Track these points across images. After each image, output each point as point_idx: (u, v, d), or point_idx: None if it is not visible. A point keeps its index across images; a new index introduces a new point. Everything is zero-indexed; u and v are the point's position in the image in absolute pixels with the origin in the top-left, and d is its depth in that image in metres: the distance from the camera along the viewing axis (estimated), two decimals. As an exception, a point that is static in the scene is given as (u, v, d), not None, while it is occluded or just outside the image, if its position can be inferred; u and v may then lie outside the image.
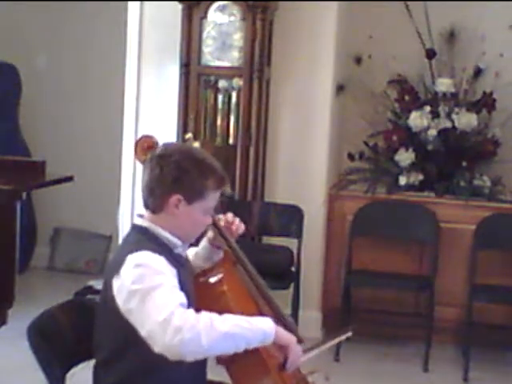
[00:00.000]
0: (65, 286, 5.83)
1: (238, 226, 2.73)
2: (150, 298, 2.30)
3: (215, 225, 2.66)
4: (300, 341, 2.60)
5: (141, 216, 2.56)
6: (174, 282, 2.39)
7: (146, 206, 2.54)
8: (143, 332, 2.31)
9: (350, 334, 2.80)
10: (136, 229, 2.54)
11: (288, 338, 2.47)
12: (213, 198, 2.53)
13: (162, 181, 2.48)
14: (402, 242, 5.19)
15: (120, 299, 2.38)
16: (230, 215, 2.73)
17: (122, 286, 2.38)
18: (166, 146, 2.61)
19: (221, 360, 2.49)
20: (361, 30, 5.42)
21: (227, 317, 2.36)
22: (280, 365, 2.53)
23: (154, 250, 2.42)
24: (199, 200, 2.48)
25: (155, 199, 2.50)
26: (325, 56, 5.14)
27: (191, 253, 2.72)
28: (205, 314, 2.31)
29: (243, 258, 2.72)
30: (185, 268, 2.55)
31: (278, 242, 5.04)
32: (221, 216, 2.71)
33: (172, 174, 2.46)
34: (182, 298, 2.35)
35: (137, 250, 2.40)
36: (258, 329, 2.37)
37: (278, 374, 2.49)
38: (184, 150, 2.57)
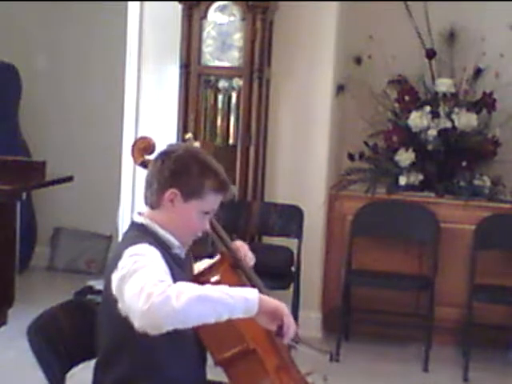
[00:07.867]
0: (65, 286, 5.84)
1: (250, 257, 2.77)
2: (135, 275, 2.26)
3: (211, 224, 2.64)
4: (297, 341, 2.59)
5: (140, 214, 2.56)
6: (164, 267, 2.34)
7: (146, 201, 2.54)
8: (125, 309, 2.27)
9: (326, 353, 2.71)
10: (134, 226, 2.54)
11: (275, 303, 2.33)
12: (211, 201, 2.50)
13: (160, 174, 2.47)
14: (401, 242, 5.18)
15: (114, 288, 2.35)
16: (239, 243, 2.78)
17: (117, 275, 2.35)
18: (172, 144, 2.62)
19: (219, 361, 2.49)
20: (361, 30, 5.41)
21: (207, 285, 2.31)
22: (278, 365, 2.53)
23: (151, 244, 2.40)
24: (196, 198, 2.47)
25: (152, 193, 2.50)
26: (325, 56, 5.14)
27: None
28: (182, 282, 2.25)
29: (241, 259, 2.72)
30: (182, 270, 2.53)
31: (278, 242, 5.03)
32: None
33: (171, 168, 2.46)
34: (163, 276, 2.27)
35: (134, 244, 2.39)
36: (240, 296, 2.26)
37: (276, 375, 2.49)
38: (189, 149, 2.58)
